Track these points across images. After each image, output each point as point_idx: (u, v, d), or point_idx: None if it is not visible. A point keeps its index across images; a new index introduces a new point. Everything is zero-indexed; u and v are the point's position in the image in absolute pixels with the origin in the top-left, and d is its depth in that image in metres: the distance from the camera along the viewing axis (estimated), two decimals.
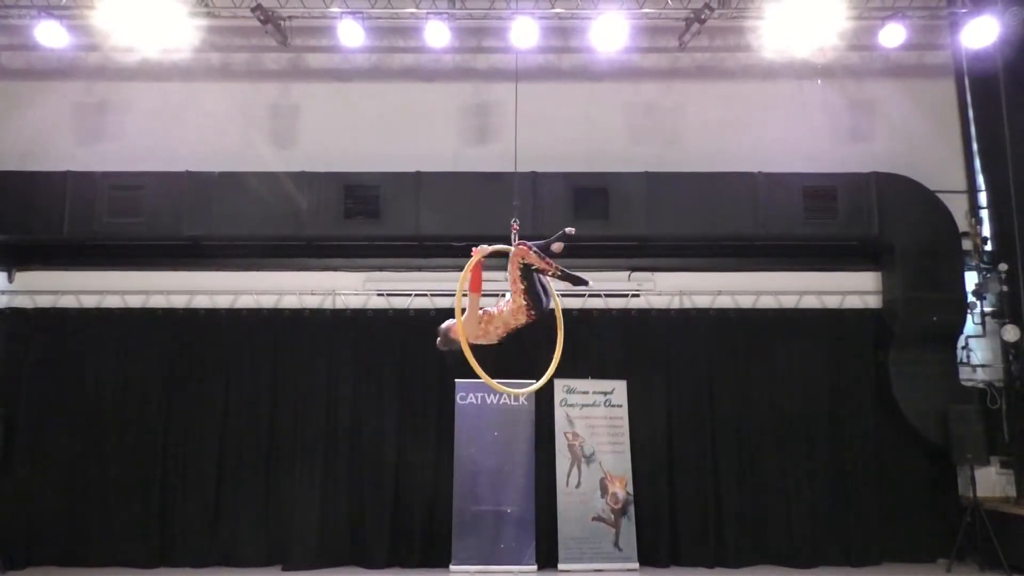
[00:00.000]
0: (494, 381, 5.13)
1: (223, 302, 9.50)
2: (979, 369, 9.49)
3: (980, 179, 9.92)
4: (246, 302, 9.51)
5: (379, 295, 9.57)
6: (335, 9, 9.00)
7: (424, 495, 9.01)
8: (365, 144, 9.73)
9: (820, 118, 9.96)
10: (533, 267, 5.09)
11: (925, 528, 9.06)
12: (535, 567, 8.60)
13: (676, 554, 8.95)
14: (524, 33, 8.95)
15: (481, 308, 5.12)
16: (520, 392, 5.61)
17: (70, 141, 9.74)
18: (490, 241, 5.38)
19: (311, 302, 9.55)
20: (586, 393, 9.22)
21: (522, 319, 5.15)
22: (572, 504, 8.87)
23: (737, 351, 9.45)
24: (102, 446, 9.07)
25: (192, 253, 9.42)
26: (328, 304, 9.57)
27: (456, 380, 9.08)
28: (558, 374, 9.10)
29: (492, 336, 5.20)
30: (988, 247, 9.70)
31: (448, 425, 9.05)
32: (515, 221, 5.53)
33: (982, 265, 9.62)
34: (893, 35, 9.07)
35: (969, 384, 9.32)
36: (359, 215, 9.15)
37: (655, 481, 9.10)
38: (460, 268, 9.54)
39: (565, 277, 5.13)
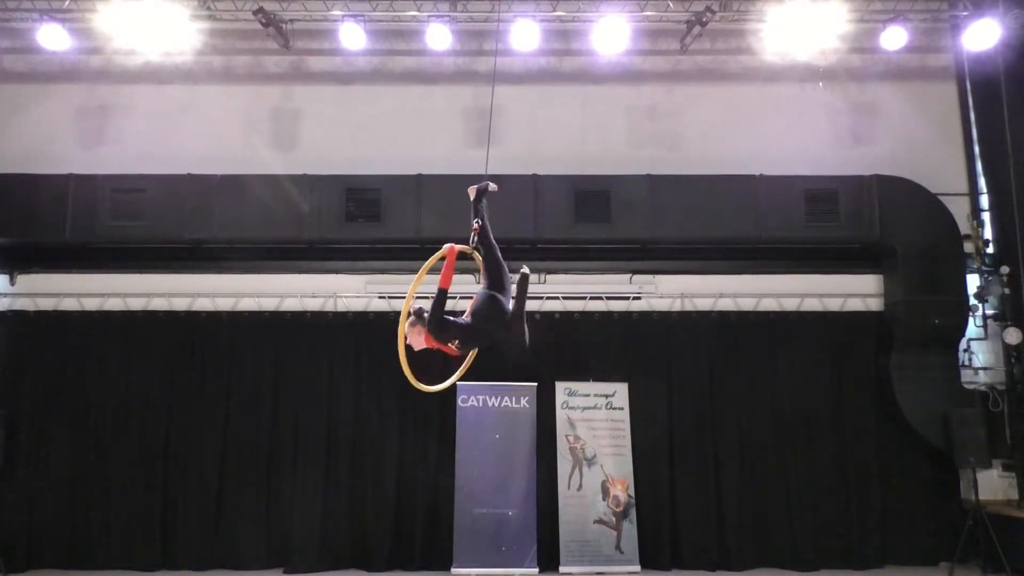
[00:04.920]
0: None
1: (225, 305, 9.50)
2: (981, 372, 9.48)
3: (982, 182, 9.91)
4: (248, 305, 9.51)
5: (380, 298, 9.57)
6: (336, 12, 9.01)
7: (425, 497, 9.01)
8: (366, 147, 9.75)
9: (821, 121, 9.97)
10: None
11: (927, 531, 9.05)
12: (536, 570, 8.58)
13: (678, 557, 8.95)
14: (525, 36, 8.97)
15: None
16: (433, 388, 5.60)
17: (72, 144, 9.76)
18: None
19: (312, 305, 9.56)
20: (587, 396, 9.21)
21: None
22: (573, 507, 8.86)
23: (738, 354, 9.44)
24: (104, 448, 9.08)
25: (194, 256, 9.43)
26: (330, 307, 9.57)
27: (457, 383, 9.06)
28: (559, 376, 9.23)
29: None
30: (990, 250, 9.69)
31: (449, 428, 9.04)
32: (476, 222, 5.31)
33: (984, 268, 9.61)
34: (894, 38, 9.08)
35: (971, 387, 9.31)
36: (360, 218, 9.15)
37: (657, 484, 9.10)
38: (461, 271, 9.64)
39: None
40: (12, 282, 9.59)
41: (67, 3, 8.87)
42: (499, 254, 5.23)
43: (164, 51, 9.28)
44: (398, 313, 9.43)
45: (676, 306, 9.63)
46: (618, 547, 8.74)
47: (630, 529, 8.82)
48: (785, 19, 8.85)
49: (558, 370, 9.19)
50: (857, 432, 9.25)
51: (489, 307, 5.06)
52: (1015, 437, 9.14)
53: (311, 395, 9.25)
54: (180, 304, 9.49)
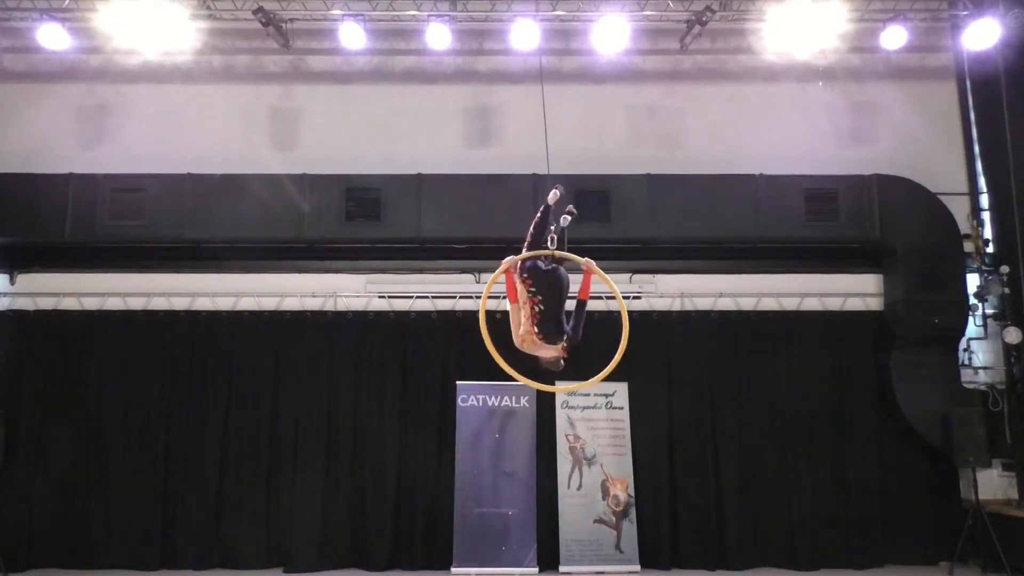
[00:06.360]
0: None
1: (224, 304, 9.50)
2: (981, 371, 9.48)
3: (982, 181, 9.91)
4: (247, 304, 9.51)
5: (380, 297, 9.57)
6: (336, 11, 9.01)
7: (425, 497, 9.01)
8: (366, 146, 9.75)
9: (821, 120, 9.97)
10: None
11: (927, 530, 9.05)
12: (536, 569, 8.58)
13: (677, 556, 8.94)
14: (525, 35, 8.96)
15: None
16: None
17: (72, 144, 9.76)
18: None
19: (312, 304, 9.55)
20: (587, 395, 9.20)
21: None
22: (573, 506, 8.86)
23: (738, 353, 9.44)
24: (103, 448, 9.07)
25: (193, 255, 9.41)
26: (329, 306, 9.57)
27: (457, 382, 9.09)
28: (560, 376, 9.19)
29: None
30: (990, 249, 9.69)
31: (449, 427, 9.04)
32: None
33: (984, 267, 9.62)
34: (894, 37, 9.09)
35: (971, 386, 9.31)
36: (360, 217, 9.15)
37: (656, 483, 9.09)
38: (462, 270, 9.72)
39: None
40: (12, 281, 9.59)
41: (67, 2, 8.86)
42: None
43: (164, 51, 9.26)
44: (398, 312, 9.54)
45: (676, 305, 9.63)
46: (618, 547, 8.74)
47: (630, 529, 8.82)
48: (785, 19, 8.85)
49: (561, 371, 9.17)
50: (856, 431, 9.24)
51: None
52: (1015, 437, 9.14)
53: (311, 395, 9.24)
54: (180, 303, 9.49)
